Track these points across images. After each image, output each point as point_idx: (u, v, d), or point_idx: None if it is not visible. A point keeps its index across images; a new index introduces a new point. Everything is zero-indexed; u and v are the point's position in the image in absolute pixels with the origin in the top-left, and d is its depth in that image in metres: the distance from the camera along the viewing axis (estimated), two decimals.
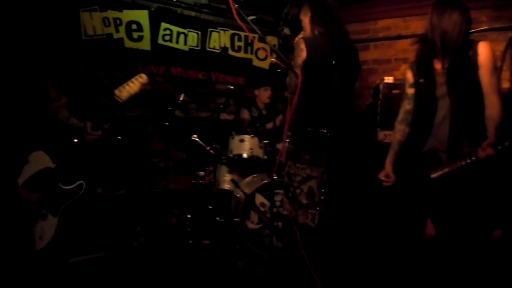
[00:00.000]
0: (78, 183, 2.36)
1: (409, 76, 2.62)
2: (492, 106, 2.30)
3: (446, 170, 2.37)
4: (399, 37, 5.02)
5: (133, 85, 2.43)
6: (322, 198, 2.92)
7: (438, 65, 2.44)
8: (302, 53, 2.54)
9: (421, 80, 2.51)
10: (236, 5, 2.11)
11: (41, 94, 2.81)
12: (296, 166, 2.86)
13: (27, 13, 3.90)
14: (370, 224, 3.83)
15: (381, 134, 4.17)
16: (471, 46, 2.36)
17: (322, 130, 2.76)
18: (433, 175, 2.43)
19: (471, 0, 2.44)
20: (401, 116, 2.69)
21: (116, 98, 2.43)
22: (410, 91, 2.62)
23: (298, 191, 2.84)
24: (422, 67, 2.49)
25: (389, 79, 4.29)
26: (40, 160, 2.25)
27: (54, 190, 2.24)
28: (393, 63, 5.12)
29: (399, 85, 4.23)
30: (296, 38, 2.66)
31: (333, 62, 2.49)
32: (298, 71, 2.07)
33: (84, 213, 2.66)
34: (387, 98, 4.19)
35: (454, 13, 2.34)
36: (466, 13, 2.37)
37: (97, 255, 3.31)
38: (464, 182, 2.36)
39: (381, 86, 4.25)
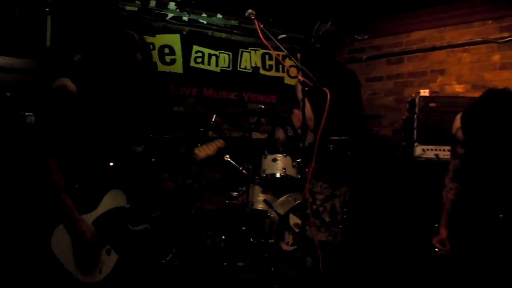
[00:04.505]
0: (144, 226, 2.45)
1: (460, 135, 2.40)
2: None
3: None
4: (434, 48, 4.89)
5: (211, 148, 2.78)
6: (345, 217, 2.93)
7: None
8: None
9: (477, 144, 2.32)
10: (262, 25, 2.10)
11: None
12: (319, 184, 2.87)
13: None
14: None
15: (418, 149, 4.01)
16: None
17: (342, 149, 2.78)
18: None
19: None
20: (451, 174, 2.51)
21: (195, 156, 2.74)
22: (461, 151, 2.43)
23: (321, 209, 2.88)
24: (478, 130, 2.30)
25: (425, 92, 4.16)
26: (117, 198, 2.32)
27: (123, 229, 2.31)
28: (428, 75, 4.98)
29: (435, 98, 4.10)
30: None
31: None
32: (325, 88, 2.02)
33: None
34: (423, 112, 4.04)
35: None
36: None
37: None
38: None
39: (417, 100, 4.11)
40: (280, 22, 5.24)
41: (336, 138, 3.08)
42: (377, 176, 4.25)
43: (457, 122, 2.44)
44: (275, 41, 2.21)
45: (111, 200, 2.26)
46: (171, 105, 4.86)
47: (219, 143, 2.82)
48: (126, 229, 2.34)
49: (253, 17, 2.14)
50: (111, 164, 2.53)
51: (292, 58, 2.12)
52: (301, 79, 2.07)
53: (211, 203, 4.71)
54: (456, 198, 2.49)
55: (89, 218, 2.18)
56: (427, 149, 3.99)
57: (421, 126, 4.05)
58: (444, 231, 2.49)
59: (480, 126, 2.27)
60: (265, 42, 2.14)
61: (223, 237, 3.88)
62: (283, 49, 2.14)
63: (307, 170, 2.31)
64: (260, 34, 2.12)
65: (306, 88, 2.06)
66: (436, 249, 2.50)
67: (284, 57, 2.22)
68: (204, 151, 2.75)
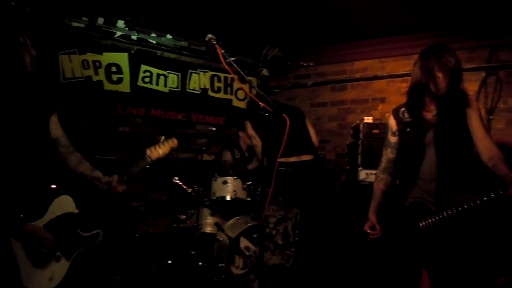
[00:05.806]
0: (95, 231, 2.47)
1: (392, 123, 2.51)
2: (490, 148, 2.24)
3: (437, 220, 2.24)
4: (376, 77, 5.16)
5: (164, 147, 2.57)
6: (297, 239, 2.97)
7: (427, 114, 2.36)
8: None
9: (408, 129, 2.41)
10: (223, 51, 2.12)
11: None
12: (271, 207, 2.92)
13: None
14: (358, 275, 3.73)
15: (362, 174, 4.18)
16: (461, 95, 2.30)
17: (293, 172, 2.86)
18: (422, 226, 2.30)
19: (446, 42, 2.46)
20: (383, 164, 2.58)
21: (147, 157, 2.52)
22: (393, 139, 2.51)
23: (274, 232, 2.91)
24: (409, 116, 2.41)
25: (368, 119, 4.35)
26: (65, 204, 2.36)
27: (73, 235, 2.36)
28: (370, 103, 5.23)
29: (378, 124, 4.30)
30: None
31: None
32: (285, 115, 2.07)
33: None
34: (367, 138, 4.23)
35: (450, 59, 2.27)
36: (458, 61, 2.29)
37: None
38: (459, 230, 2.23)
39: (361, 126, 4.30)
40: (229, 45, 5.30)
41: (286, 160, 3.15)
42: (324, 198, 4.35)
43: (391, 112, 2.58)
44: (234, 65, 2.24)
45: (58, 207, 2.30)
46: (117, 124, 4.72)
47: (172, 142, 2.59)
48: (76, 234, 2.37)
49: (214, 43, 2.16)
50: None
51: (253, 85, 2.16)
52: (262, 105, 2.10)
53: (157, 226, 4.59)
54: (387, 189, 2.57)
55: (39, 224, 2.25)
56: (371, 174, 4.15)
57: (365, 151, 4.22)
58: (373, 217, 2.57)
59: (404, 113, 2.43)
60: (225, 65, 2.16)
61: (170, 261, 3.78)
62: (243, 74, 2.17)
63: (267, 190, 2.33)
64: (221, 58, 2.14)
65: (266, 114, 2.09)
66: (369, 235, 2.57)
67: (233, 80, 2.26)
68: (156, 151, 2.52)
